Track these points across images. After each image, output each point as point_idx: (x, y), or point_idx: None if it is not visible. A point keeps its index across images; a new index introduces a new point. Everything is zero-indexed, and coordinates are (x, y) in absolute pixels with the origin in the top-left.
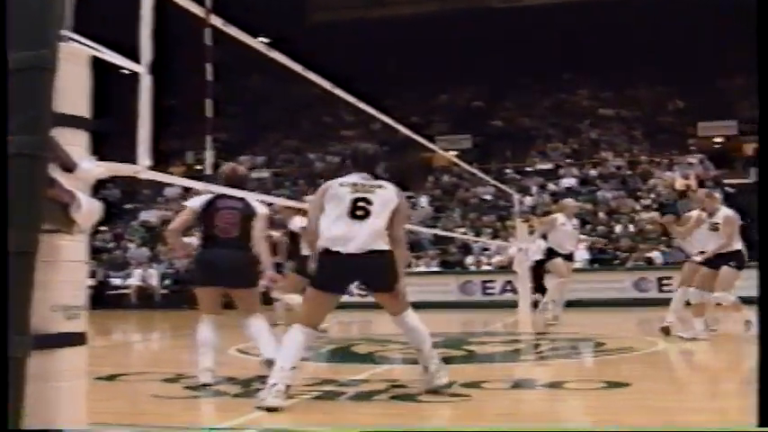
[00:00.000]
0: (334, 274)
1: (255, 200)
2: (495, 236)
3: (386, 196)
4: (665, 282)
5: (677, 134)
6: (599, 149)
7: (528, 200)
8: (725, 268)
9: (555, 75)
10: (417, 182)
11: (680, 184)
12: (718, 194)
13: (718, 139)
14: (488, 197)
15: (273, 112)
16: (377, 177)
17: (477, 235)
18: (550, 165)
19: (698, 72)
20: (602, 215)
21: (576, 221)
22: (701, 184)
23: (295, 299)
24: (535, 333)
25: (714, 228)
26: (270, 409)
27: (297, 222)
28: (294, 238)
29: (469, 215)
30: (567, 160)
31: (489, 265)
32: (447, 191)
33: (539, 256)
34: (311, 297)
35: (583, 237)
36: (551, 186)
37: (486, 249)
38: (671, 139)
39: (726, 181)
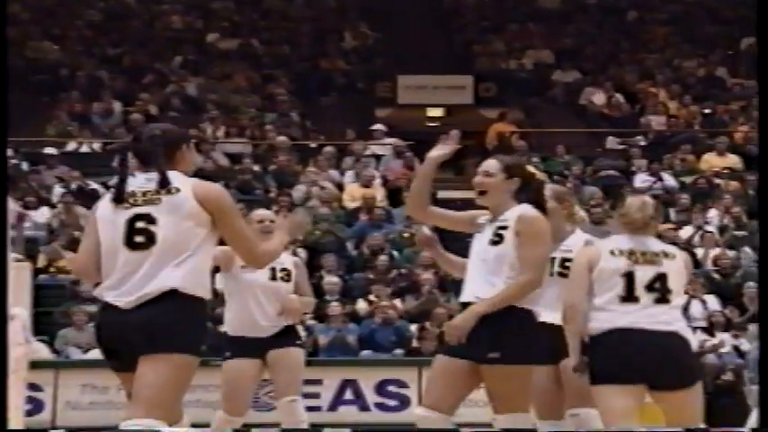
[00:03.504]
0: (111, 337)
1: None
2: None
3: (176, 202)
4: None
5: (355, 96)
6: (199, 115)
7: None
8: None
9: None
10: None
11: (353, 194)
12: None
13: (435, 112)
14: None
15: None
16: (164, 176)
17: None
18: (70, 143)
19: None
20: None
21: (291, 260)
22: (396, 195)
23: None
24: None
25: (566, 269)
26: None
27: None
28: None
29: None
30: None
31: None
32: None
33: None
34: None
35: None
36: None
37: None
38: (343, 107)
39: (444, 194)
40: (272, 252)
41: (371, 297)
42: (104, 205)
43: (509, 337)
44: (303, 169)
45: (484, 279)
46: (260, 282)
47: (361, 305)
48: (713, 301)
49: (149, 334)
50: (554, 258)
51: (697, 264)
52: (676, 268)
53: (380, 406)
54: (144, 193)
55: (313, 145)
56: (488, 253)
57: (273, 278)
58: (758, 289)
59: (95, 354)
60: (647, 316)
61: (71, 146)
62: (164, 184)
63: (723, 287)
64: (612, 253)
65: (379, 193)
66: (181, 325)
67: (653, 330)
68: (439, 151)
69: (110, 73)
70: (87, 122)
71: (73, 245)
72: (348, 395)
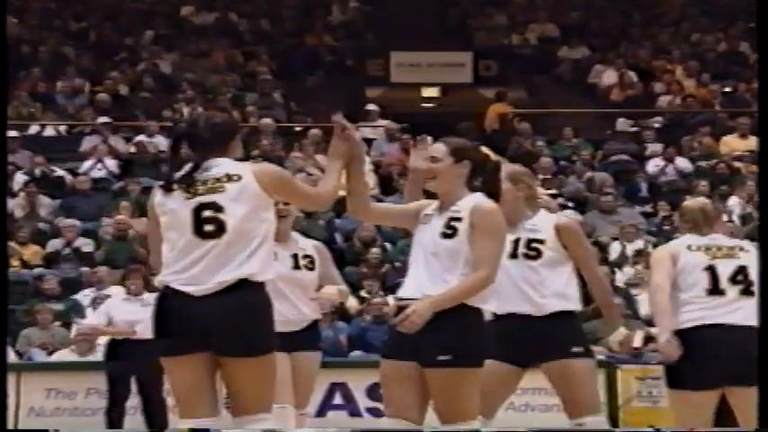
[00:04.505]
0: (178, 325)
1: None
2: None
3: (239, 189)
4: None
5: (343, 75)
6: (173, 95)
7: None
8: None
9: None
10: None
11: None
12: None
13: (431, 92)
14: None
15: None
16: (224, 164)
17: None
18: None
19: None
20: None
21: (313, 245)
22: (388, 182)
23: None
24: None
25: (533, 250)
26: None
27: None
28: None
29: None
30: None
31: None
32: None
33: None
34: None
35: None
36: None
37: None
38: (331, 87)
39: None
40: (333, 188)
41: (363, 293)
42: (160, 195)
43: (460, 337)
44: (288, 154)
45: (435, 275)
46: (281, 272)
47: (352, 302)
48: None
49: (232, 331)
50: (518, 239)
51: None
52: (755, 261)
53: (372, 411)
54: (204, 182)
55: (298, 128)
56: (439, 247)
57: (297, 267)
58: (758, 286)
59: (61, 355)
60: (732, 310)
61: (34, 129)
62: (228, 170)
63: None
64: (690, 248)
65: (370, 180)
66: (260, 322)
67: (733, 325)
68: (342, 146)
69: (75, 49)
70: (51, 103)
71: (36, 237)
72: (337, 399)
